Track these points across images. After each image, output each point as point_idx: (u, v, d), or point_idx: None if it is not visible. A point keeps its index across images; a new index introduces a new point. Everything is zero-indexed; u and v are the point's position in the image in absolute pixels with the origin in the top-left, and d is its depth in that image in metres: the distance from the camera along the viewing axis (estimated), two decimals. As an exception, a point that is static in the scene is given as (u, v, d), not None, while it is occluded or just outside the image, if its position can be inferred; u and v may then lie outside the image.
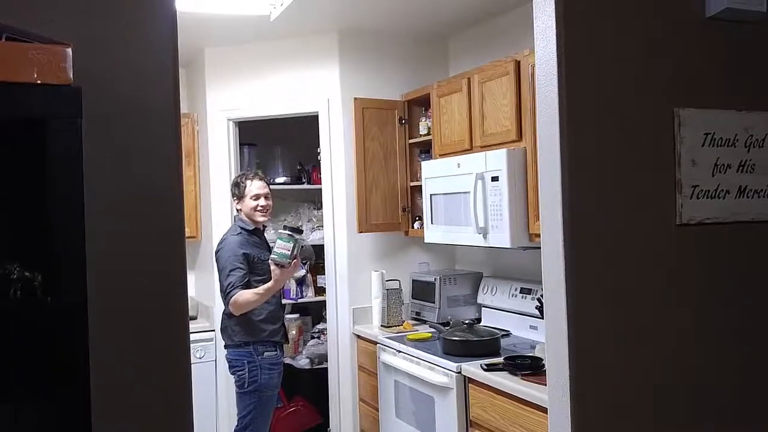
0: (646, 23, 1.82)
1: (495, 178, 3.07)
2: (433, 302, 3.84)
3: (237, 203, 3.58)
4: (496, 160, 3.06)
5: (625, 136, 1.77)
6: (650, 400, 1.78)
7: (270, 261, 3.34)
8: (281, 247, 3.32)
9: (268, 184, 3.63)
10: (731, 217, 1.88)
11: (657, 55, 1.82)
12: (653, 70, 1.81)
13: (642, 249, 1.79)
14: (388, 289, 3.92)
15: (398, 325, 3.87)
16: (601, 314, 1.74)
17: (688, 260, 1.84)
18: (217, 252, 3.48)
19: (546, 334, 1.80)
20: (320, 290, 4.53)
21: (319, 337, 4.60)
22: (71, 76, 1.10)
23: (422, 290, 3.97)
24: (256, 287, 3.36)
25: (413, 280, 4.07)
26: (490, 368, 2.85)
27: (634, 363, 1.77)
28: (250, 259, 3.40)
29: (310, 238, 4.50)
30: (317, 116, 4.08)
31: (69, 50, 1.10)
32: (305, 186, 4.70)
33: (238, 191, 3.55)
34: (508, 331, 3.51)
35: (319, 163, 4.20)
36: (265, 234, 3.73)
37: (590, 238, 1.73)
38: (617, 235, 1.76)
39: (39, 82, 1.07)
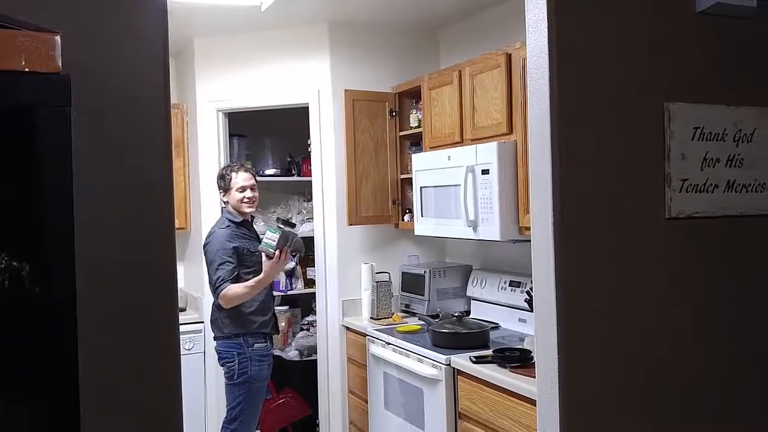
0: (640, 19, 1.81)
1: (485, 171, 3.07)
2: (423, 295, 3.85)
3: (223, 195, 3.57)
4: (487, 153, 3.06)
5: (615, 129, 1.78)
6: (640, 392, 1.79)
7: (260, 251, 3.36)
8: (268, 237, 3.35)
9: (254, 176, 3.62)
10: (720, 212, 1.89)
11: (649, 50, 1.82)
12: (645, 65, 1.81)
13: (631, 242, 1.79)
14: (377, 282, 3.92)
15: (388, 318, 3.88)
16: (591, 307, 1.74)
17: (677, 253, 1.85)
18: (205, 245, 3.47)
19: (535, 326, 1.81)
20: (310, 282, 4.52)
21: (308, 329, 4.60)
22: (60, 64, 1.09)
23: (412, 283, 3.98)
24: (245, 279, 3.36)
25: (403, 273, 4.08)
26: (479, 360, 2.86)
27: (624, 356, 1.78)
28: (239, 251, 3.40)
29: (300, 230, 4.49)
30: (307, 108, 4.07)
31: (57, 38, 1.09)
32: (295, 178, 4.69)
33: (223, 183, 3.54)
34: (497, 323, 3.53)
35: (309, 155, 4.18)
36: (255, 225, 3.72)
37: (580, 232, 1.73)
38: (607, 228, 1.77)
39: (27, 69, 1.06)
